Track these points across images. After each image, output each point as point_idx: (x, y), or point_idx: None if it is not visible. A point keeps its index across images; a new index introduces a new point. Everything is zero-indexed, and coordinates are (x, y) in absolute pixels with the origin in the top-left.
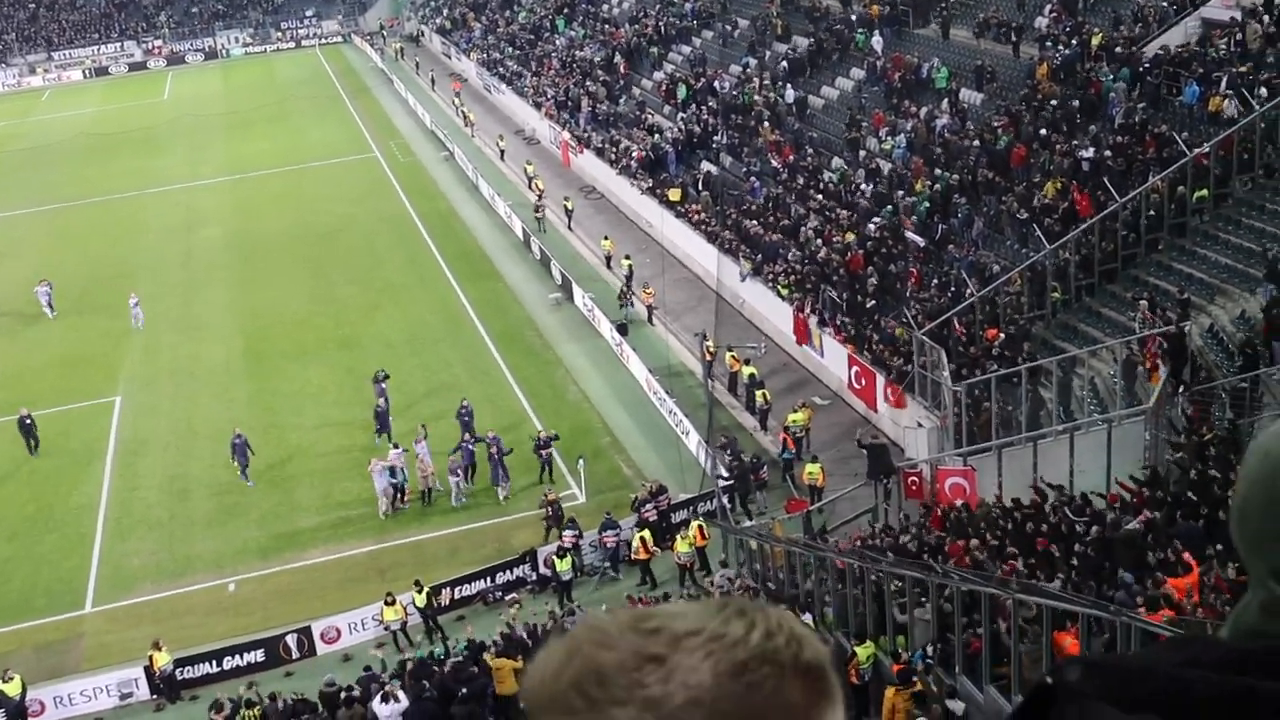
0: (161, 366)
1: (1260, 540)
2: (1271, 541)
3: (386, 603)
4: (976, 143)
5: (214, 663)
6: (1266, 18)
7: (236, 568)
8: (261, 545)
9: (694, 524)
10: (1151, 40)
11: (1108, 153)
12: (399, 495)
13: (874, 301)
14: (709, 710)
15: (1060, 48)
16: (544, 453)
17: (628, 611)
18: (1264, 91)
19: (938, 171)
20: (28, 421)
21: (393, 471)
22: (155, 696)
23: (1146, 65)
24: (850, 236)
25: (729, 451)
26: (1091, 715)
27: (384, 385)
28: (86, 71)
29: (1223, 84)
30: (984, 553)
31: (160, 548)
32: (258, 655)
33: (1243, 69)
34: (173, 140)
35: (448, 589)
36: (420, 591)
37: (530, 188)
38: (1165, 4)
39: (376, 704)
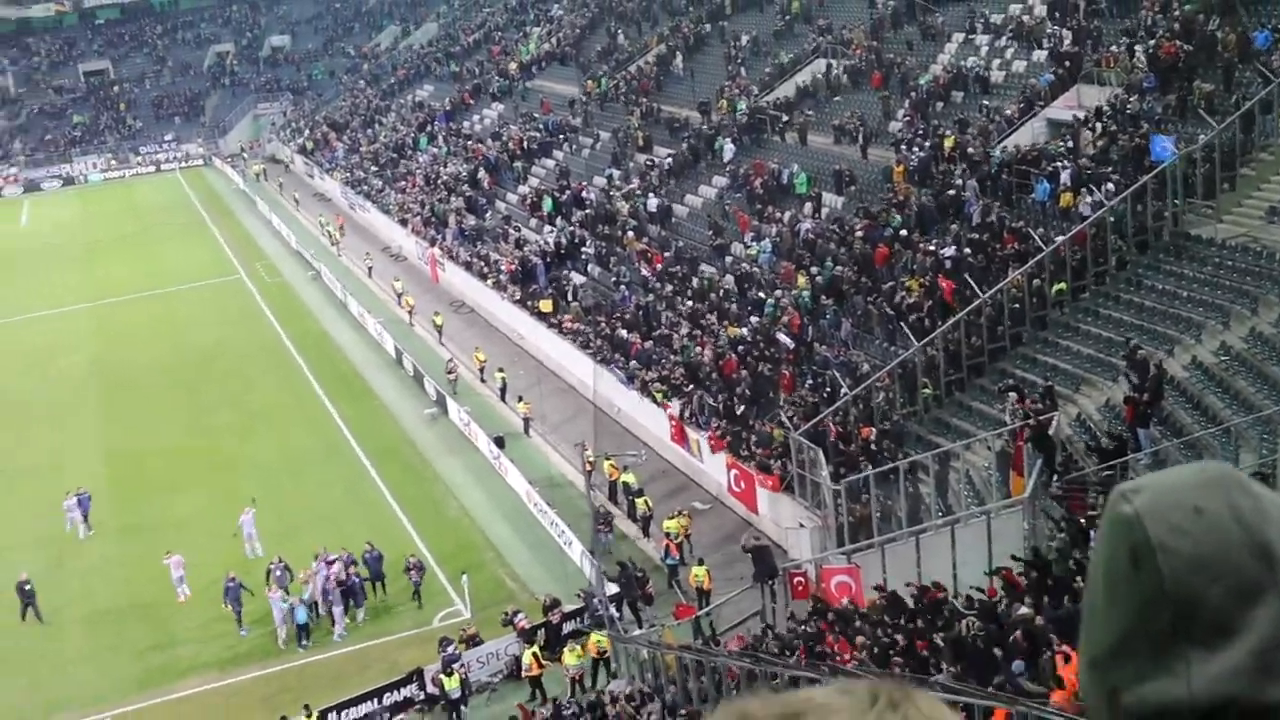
0: (22, 501)
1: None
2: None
3: None
4: (856, 242)
5: None
6: (1099, 125)
7: (114, 703)
8: (138, 678)
9: (593, 637)
10: (1001, 141)
11: (967, 250)
12: (304, 633)
13: (749, 404)
14: None
15: (915, 150)
16: (411, 575)
17: (776, 701)
18: (1110, 186)
19: (813, 269)
20: None
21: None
22: None
23: (997, 166)
24: (734, 331)
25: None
26: None
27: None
28: None
29: (1063, 178)
30: (873, 651)
31: (27, 687)
32: None
33: (1086, 165)
34: (31, 267)
35: (334, 713)
36: (310, 717)
37: (400, 304)
38: (1010, 109)
39: None
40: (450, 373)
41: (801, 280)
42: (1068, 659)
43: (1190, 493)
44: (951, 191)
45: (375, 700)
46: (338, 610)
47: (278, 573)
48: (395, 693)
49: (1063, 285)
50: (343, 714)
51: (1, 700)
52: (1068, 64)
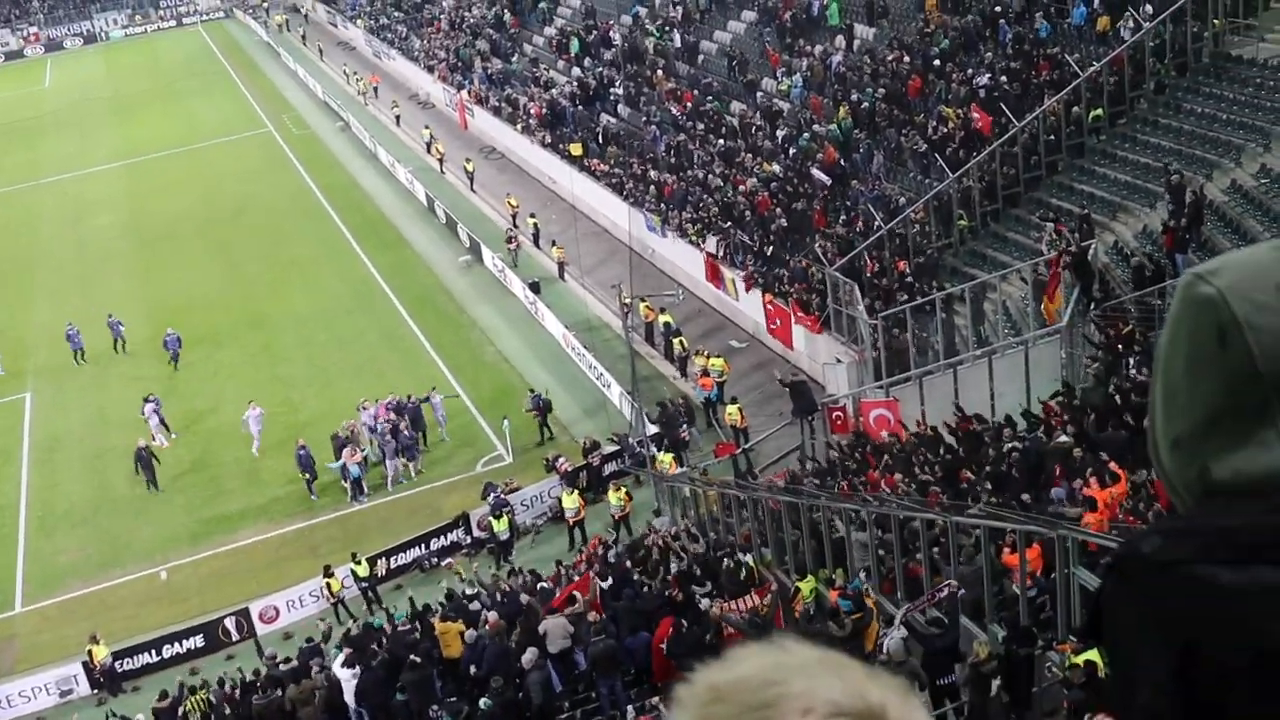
0: (68, 360)
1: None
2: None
3: (326, 575)
4: (886, 77)
5: (153, 652)
6: None
7: (167, 555)
8: (190, 530)
9: (663, 457)
10: None
11: (1003, 78)
12: (358, 487)
13: (783, 240)
14: None
15: None
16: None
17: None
18: (1149, 8)
19: (855, 97)
20: None
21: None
22: (96, 691)
23: None
24: (772, 167)
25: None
26: (1200, 578)
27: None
28: None
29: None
30: (912, 484)
31: (87, 541)
32: (197, 641)
33: None
34: (59, 129)
35: (383, 559)
36: (359, 563)
37: (430, 152)
38: None
39: (338, 668)
40: (510, 241)
41: (842, 112)
42: (1109, 479)
43: (1271, 270)
44: (980, 20)
45: (423, 545)
46: (390, 464)
47: (342, 440)
48: (442, 537)
49: (1099, 111)
50: (391, 560)
51: (65, 556)
52: None
